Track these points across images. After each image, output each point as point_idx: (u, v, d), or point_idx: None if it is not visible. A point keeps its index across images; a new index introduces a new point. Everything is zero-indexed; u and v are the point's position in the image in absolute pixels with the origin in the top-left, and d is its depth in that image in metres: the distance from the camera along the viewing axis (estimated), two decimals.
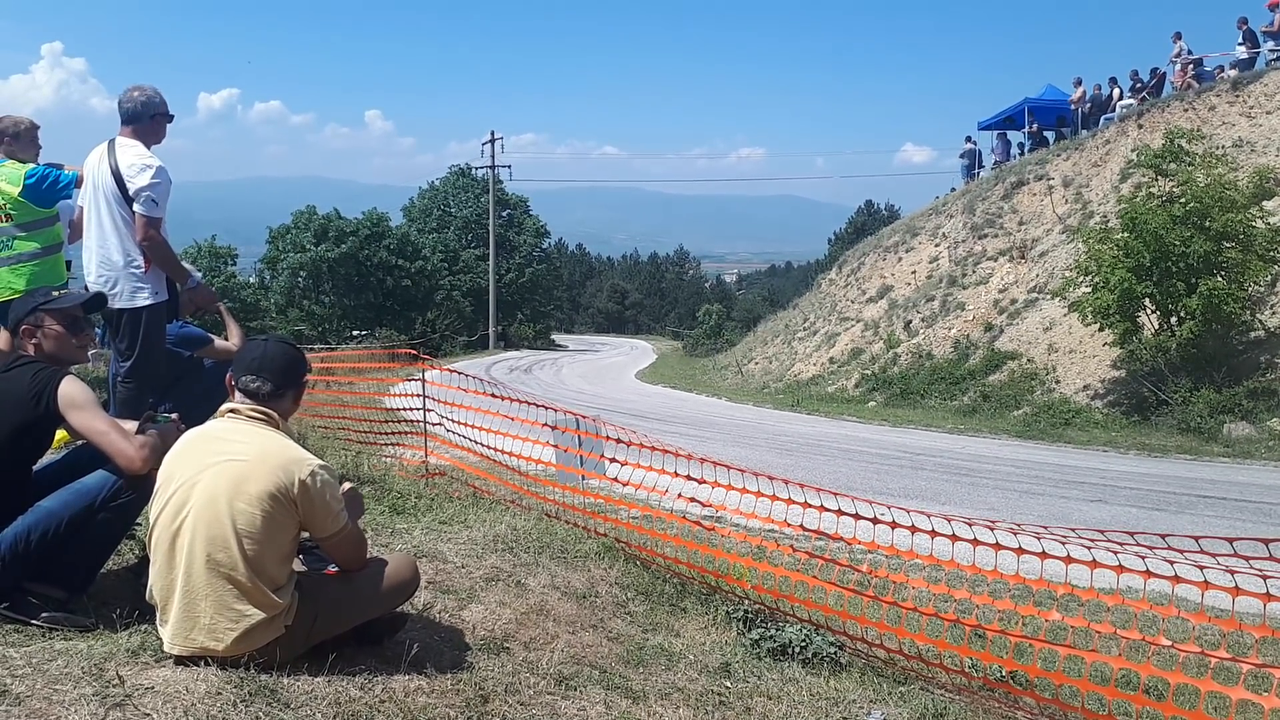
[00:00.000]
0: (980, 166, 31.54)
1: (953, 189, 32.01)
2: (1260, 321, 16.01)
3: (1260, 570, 3.69)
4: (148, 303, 4.72)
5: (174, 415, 3.46)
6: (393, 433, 8.27)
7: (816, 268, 62.89)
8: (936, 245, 28.04)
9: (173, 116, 4.87)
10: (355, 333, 51.78)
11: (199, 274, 5.24)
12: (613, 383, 32.04)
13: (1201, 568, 4.00)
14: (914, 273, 28.02)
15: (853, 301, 30.31)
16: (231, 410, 2.94)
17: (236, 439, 2.86)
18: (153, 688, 2.55)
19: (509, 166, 60.43)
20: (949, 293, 24.78)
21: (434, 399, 7.39)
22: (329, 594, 2.98)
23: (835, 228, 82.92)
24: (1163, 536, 3.91)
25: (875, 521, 4.47)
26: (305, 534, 2.96)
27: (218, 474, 2.77)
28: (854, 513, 4.54)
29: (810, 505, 4.72)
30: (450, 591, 4.02)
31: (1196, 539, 3.87)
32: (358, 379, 11.94)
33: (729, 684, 3.67)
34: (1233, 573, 3.67)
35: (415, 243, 58.73)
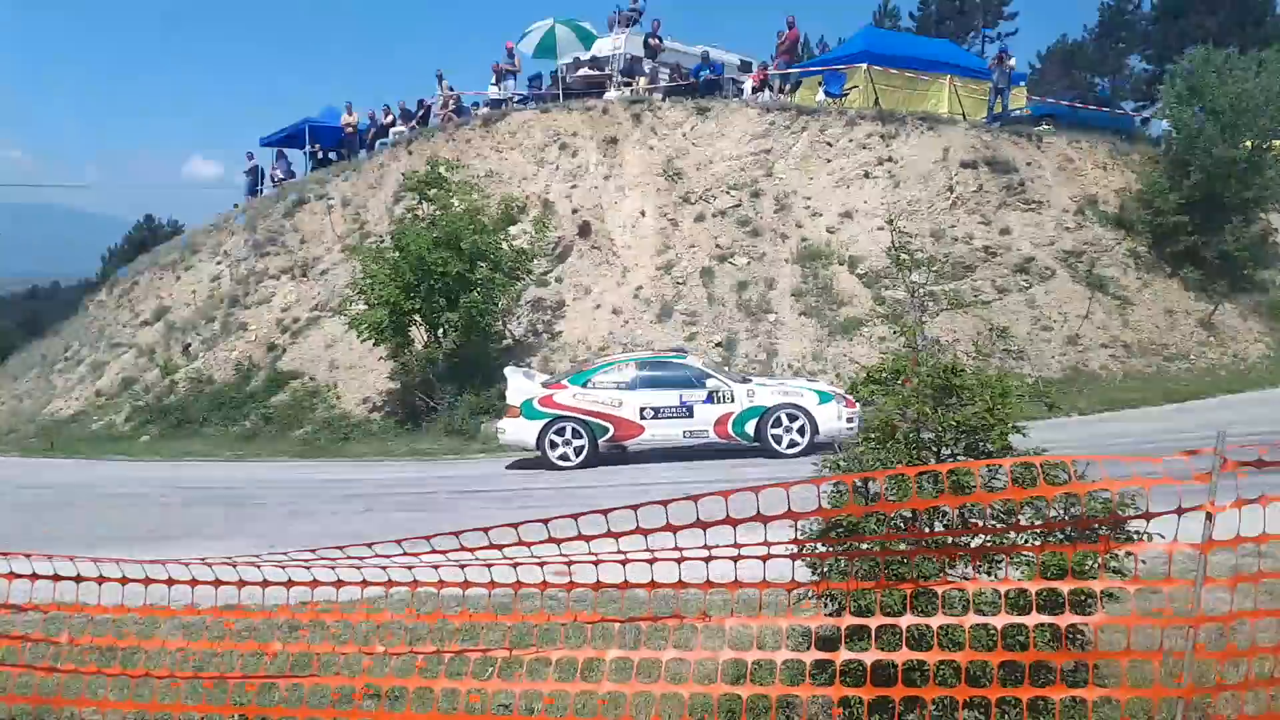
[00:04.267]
0: (263, 183, 30.86)
1: (236, 205, 30.78)
2: (510, 332, 18.21)
3: (460, 561, 3.86)
4: None
5: None
6: None
7: (86, 288, 55.54)
8: (218, 263, 26.57)
9: None
10: None
11: None
12: None
13: (436, 567, 4.16)
14: (194, 292, 26.14)
15: (125, 325, 27.18)
16: None
17: None
18: None
19: None
20: (230, 313, 23.62)
21: None
22: None
23: (112, 243, 74.45)
24: (369, 545, 3.88)
25: (124, 582, 4.03)
26: None
27: None
28: (97, 576, 4.04)
29: (40, 576, 4.10)
30: None
31: (399, 542, 3.88)
32: None
33: None
34: (464, 566, 3.91)
35: None
